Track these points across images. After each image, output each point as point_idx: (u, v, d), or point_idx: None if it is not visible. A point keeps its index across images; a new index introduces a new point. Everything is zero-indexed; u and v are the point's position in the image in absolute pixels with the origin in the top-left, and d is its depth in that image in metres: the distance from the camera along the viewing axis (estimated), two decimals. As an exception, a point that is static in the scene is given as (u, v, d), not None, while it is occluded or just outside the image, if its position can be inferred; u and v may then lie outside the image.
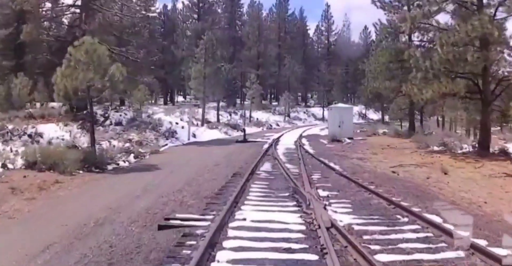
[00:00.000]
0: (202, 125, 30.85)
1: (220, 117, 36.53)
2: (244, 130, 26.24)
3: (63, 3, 26.56)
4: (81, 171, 12.22)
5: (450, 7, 18.41)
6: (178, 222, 6.35)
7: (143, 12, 34.99)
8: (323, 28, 70.89)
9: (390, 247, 5.37)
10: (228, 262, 4.87)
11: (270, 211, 7.18)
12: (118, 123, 22.27)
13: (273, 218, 6.60)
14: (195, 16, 54.15)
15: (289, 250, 5.21)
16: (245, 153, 17.50)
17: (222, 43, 43.01)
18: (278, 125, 44.67)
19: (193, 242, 5.44)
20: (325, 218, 6.13)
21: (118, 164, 14.17)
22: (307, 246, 5.42)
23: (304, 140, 24.75)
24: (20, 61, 25.44)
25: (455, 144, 19.72)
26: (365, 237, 5.78)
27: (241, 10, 64.54)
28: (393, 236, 5.81)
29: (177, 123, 26.57)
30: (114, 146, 16.62)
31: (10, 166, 12.05)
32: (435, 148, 19.83)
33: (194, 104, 38.13)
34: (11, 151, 13.84)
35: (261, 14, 65.07)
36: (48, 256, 5.37)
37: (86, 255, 5.27)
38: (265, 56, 59.32)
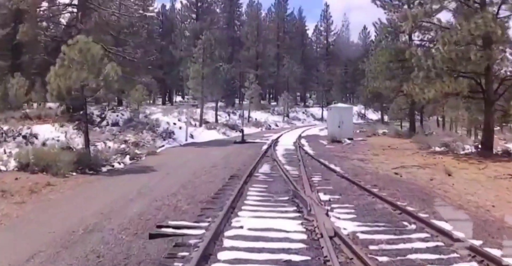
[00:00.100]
0: (200, 125, 30.53)
1: (219, 117, 36.21)
2: (242, 131, 25.87)
3: (59, 2, 26.33)
4: (74, 173, 11.94)
5: (452, 5, 18.19)
6: (171, 230, 5.98)
7: (141, 12, 34.74)
8: (322, 28, 70.61)
9: (398, 258, 5.02)
10: (223, 277, 4.51)
11: (268, 217, 6.80)
12: (115, 124, 21.92)
13: (272, 226, 6.22)
14: (194, 16, 53.82)
15: (289, 263, 4.85)
16: (243, 154, 17.19)
17: (220, 43, 42.72)
18: (277, 125, 44.36)
19: (186, 254, 5.06)
20: (327, 225, 5.75)
21: (113, 166, 13.85)
22: (309, 258, 5.05)
23: (303, 141, 24.42)
24: (17, 61, 25.29)
25: (457, 145, 19.41)
26: (371, 247, 5.40)
27: (240, 10, 64.31)
28: (401, 246, 5.43)
29: (175, 124, 26.25)
30: (109, 147, 16.27)
31: (2, 168, 11.78)
32: (437, 149, 19.55)
33: (193, 104, 37.93)
34: (5, 152, 13.56)
35: (260, 14, 64.79)
36: (32, 266, 5.04)
37: (72, 266, 4.93)
38: (264, 56, 59.08)
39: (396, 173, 12.61)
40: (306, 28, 72.68)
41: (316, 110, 59.88)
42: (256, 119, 42.72)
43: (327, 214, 6.75)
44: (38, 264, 5.13)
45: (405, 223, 6.58)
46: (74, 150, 14.27)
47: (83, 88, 13.15)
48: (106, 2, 26.15)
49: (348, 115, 26.37)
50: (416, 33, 23.68)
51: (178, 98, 58.64)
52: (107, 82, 13.30)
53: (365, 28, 70.02)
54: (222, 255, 5.04)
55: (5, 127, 17.04)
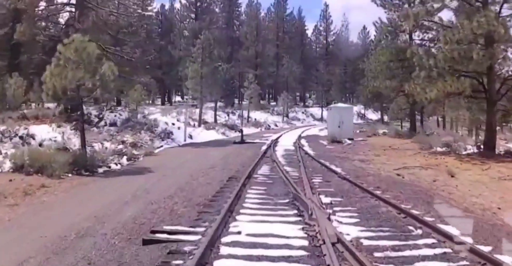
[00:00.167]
0: (199, 125, 30.29)
1: (218, 117, 35.96)
2: (241, 131, 25.64)
3: (57, 1, 26.14)
4: (70, 175, 11.71)
5: (454, 3, 17.99)
6: (165, 236, 5.71)
7: (140, 11, 34.46)
8: (321, 28, 70.36)
9: (405, 266, 4.77)
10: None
11: (268, 222, 6.53)
12: (113, 124, 21.68)
13: (272, 231, 5.94)
14: (193, 15, 53.55)
15: (290, 272, 4.59)
16: (242, 155, 16.96)
17: (219, 42, 42.48)
18: (276, 125, 44.13)
19: (180, 262, 4.78)
20: (330, 231, 5.49)
21: (109, 167, 13.62)
22: (310, 266, 4.79)
23: (303, 141, 24.18)
24: (15, 61, 25.14)
25: (459, 145, 19.17)
26: (376, 254, 5.13)
27: (239, 9, 63.96)
28: (407, 253, 5.16)
29: (173, 124, 26.00)
30: (106, 148, 16.02)
31: (-3, 169, 11.55)
32: (438, 149, 19.32)
33: (192, 104, 37.64)
34: (0, 153, 13.39)
35: (259, 14, 64.50)
36: (20, 274, 4.82)
37: (61, 274, 4.70)
38: (263, 56, 58.83)
39: (398, 174, 12.38)
40: (306, 28, 72.55)
41: (316, 110, 59.66)
42: (255, 119, 42.48)
43: (329, 218, 6.48)
44: (27, 271, 4.89)
45: (411, 227, 6.31)
46: (71, 151, 14.03)
47: (79, 88, 12.92)
48: (105, 1, 25.94)
49: (348, 115, 26.14)
50: (417, 33, 23.55)
51: (177, 98, 58.38)
52: (103, 82, 13.07)
53: (364, 28, 69.88)
54: (218, 264, 4.77)
55: (2, 128, 16.83)
